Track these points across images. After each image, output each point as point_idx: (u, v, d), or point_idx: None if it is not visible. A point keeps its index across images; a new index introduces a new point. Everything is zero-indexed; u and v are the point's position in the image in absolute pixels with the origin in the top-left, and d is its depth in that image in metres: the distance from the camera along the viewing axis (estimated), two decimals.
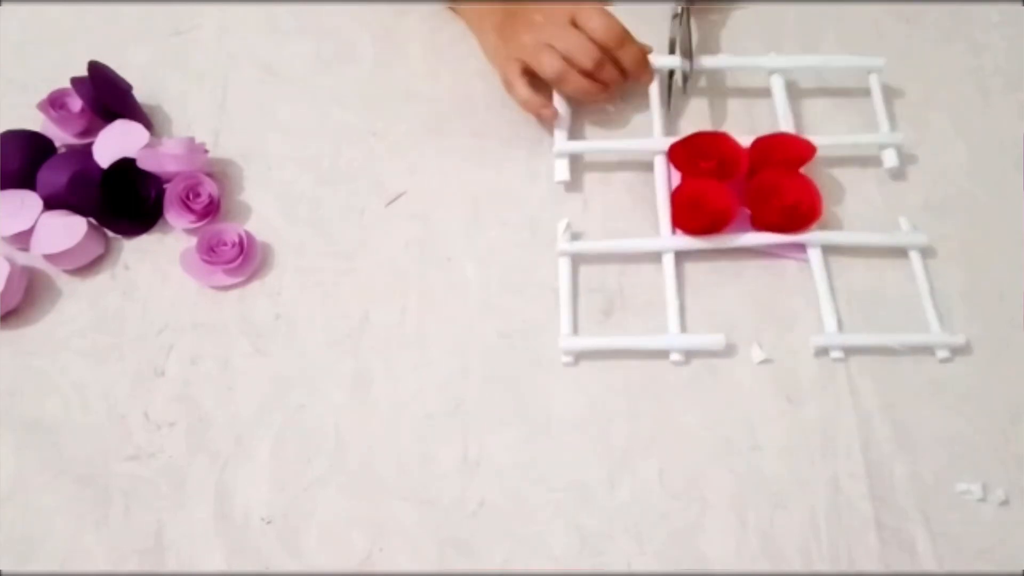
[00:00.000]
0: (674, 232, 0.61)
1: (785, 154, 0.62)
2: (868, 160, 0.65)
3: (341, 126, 0.67)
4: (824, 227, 0.61)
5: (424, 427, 0.55)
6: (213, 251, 0.59)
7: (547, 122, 0.65)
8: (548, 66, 0.62)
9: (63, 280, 0.61)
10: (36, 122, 0.65)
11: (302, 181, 0.65)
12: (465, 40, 0.63)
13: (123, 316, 0.59)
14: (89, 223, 0.60)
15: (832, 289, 0.59)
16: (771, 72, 0.67)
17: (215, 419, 0.55)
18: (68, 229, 0.59)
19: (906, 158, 0.65)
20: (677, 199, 0.61)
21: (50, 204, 0.61)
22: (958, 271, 0.61)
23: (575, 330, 0.58)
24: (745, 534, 0.52)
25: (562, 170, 0.63)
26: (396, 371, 0.57)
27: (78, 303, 0.60)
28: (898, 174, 0.65)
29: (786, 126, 0.65)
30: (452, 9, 0.70)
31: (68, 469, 0.54)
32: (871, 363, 0.57)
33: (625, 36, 0.63)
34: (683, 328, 0.58)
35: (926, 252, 0.61)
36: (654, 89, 0.66)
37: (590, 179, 0.65)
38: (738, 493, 0.53)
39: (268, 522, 0.52)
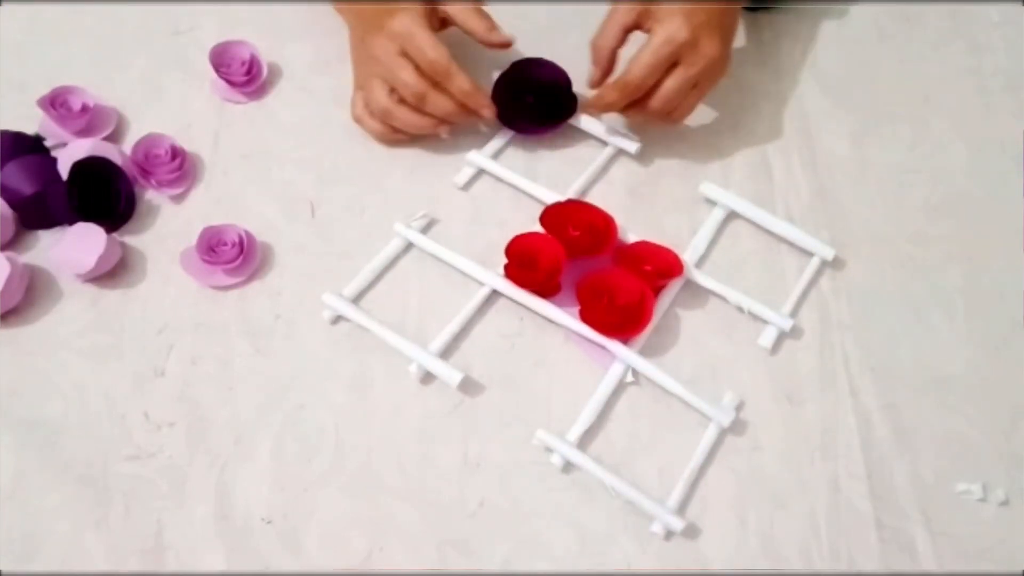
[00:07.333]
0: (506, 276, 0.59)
1: (655, 264, 0.58)
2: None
3: (341, 126, 0.67)
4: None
5: (424, 427, 0.55)
6: (213, 251, 0.59)
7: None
8: (374, 103, 0.62)
9: (63, 280, 0.61)
10: (36, 122, 0.65)
11: (302, 181, 0.65)
12: (465, 41, 0.63)
13: (123, 316, 0.59)
14: (110, 238, 0.59)
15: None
16: (714, 204, 0.63)
17: (215, 419, 0.55)
18: (89, 245, 0.59)
19: (906, 159, 0.65)
20: (512, 248, 0.58)
21: (15, 206, 0.61)
22: (958, 271, 0.61)
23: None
24: (745, 534, 0.52)
25: (463, 177, 0.64)
26: (396, 371, 0.57)
27: (78, 303, 0.60)
28: (901, 175, 0.65)
29: (697, 247, 0.61)
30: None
31: (68, 469, 0.54)
32: (871, 363, 0.57)
33: (449, 70, 0.59)
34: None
35: None
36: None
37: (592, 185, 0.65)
38: (738, 493, 0.53)
39: (268, 522, 0.52)
